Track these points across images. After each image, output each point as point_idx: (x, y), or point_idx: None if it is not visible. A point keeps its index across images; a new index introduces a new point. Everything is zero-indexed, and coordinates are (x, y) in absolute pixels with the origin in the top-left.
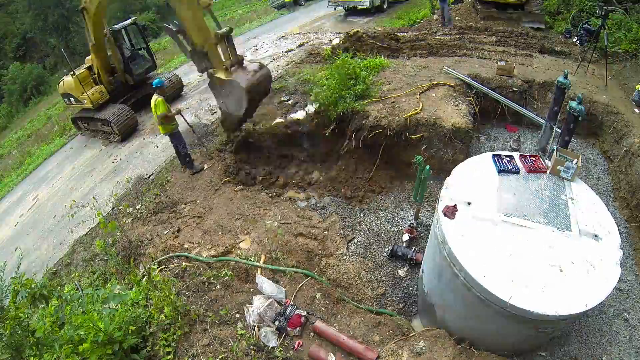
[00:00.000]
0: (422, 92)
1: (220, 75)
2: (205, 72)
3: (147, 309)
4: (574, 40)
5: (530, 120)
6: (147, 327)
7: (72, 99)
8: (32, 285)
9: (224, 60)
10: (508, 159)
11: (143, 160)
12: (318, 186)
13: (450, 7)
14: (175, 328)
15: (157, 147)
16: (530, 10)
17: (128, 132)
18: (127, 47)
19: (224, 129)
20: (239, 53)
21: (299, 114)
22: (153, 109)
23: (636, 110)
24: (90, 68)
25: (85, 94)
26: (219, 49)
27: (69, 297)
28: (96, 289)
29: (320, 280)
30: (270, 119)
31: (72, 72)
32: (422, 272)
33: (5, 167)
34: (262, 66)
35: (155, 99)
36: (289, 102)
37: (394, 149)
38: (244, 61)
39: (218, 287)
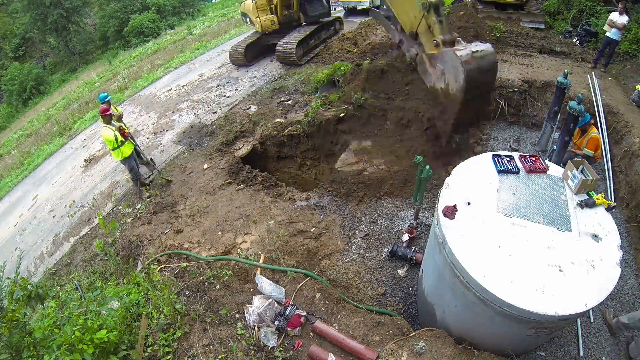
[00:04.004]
0: None
1: (430, 52)
2: (408, 59)
3: (146, 309)
4: (574, 40)
5: (530, 120)
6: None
7: (247, 19)
8: (28, 286)
9: (434, 35)
10: (508, 159)
11: None
12: (318, 186)
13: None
14: (174, 328)
15: (157, 147)
16: (530, 10)
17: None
18: None
19: (443, 126)
20: None
21: (299, 115)
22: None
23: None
24: None
25: (258, 18)
26: (430, 27)
27: (68, 297)
28: (95, 290)
29: (320, 280)
30: (269, 118)
31: None
32: (422, 272)
33: (5, 167)
34: (488, 44)
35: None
36: (289, 102)
37: None
38: (460, 42)
39: (218, 287)
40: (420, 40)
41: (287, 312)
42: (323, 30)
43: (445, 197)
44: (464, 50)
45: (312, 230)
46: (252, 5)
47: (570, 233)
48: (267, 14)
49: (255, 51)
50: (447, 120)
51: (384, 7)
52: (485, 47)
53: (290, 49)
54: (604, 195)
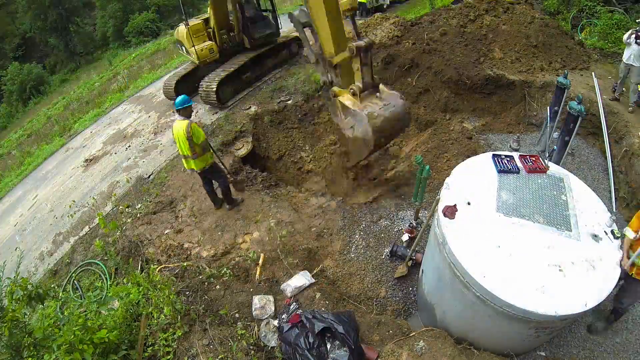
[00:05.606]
0: None
1: (345, 100)
2: (323, 86)
3: (146, 309)
4: None
5: (530, 121)
6: (146, 326)
7: (183, 48)
8: (28, 286)
9: (355, 80)
10: (508, 159)
11: (143, 160)
12: (318, 186)
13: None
14: (174, 328)
15: (157, 147)
16: None
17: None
18: (252, 6)
19: (348, 161)
20: None
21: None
22: (183, 137)
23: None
24: (207, 21)
25: (193, 47)
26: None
27: (69, 297)
28: (94, 290)
29: (319, 280)
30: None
31: (185, 22)
32: (422, 272)
33: (5, 167)
34: (399, 98)
35: (188, 124)
36: (289, 102)
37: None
38: (380, 88)
39: (218, 287)
40: (338, 74)
41: (288, 312)
42: (272, 54)
43: (445, 197)
44: (374, 107)
45: (312, 230)
46: (185, 32)
47: (570, 233)
48: (204, 41)
49: (190, 86)
50: (351, 160)
51: (304, 8)
52: (396, 101)
53: (212, 88)
54: None
